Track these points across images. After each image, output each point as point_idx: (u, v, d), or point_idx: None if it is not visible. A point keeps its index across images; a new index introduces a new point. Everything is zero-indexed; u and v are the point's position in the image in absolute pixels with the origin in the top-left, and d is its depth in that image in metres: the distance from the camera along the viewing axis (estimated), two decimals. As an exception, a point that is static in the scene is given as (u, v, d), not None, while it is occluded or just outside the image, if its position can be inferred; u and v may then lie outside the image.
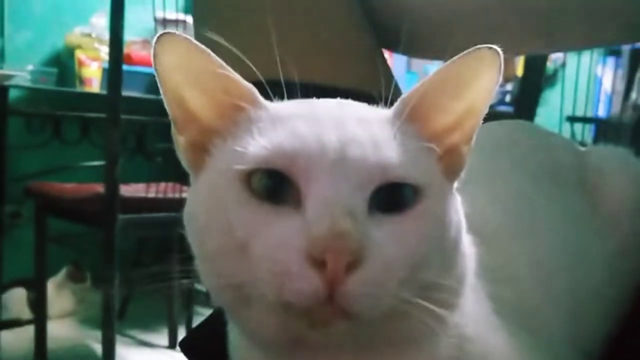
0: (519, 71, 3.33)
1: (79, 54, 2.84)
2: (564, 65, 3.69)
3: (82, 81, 2.84)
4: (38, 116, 2.79)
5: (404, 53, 1.19)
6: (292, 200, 0.44)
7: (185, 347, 0.76)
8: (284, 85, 0.50)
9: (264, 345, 0.50)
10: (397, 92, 0.51)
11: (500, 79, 0.47)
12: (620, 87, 3.31)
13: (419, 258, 0.45)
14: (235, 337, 0.55)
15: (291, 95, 0.51)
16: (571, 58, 3.60)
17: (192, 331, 0.83)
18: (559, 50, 1.72)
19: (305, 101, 0.51)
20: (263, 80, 0.50)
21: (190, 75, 0.48)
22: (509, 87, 3.70)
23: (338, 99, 0.52)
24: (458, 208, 0.50)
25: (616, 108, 3.23)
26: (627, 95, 2.89)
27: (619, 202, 0.76)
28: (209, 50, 0.47)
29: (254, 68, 0.49)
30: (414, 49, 1.03)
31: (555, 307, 0.65)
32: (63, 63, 2.90)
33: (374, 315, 0.43)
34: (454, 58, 0.47)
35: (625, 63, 3.50)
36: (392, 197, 0.45)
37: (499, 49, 0.46)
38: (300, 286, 0.41)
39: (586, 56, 3.37)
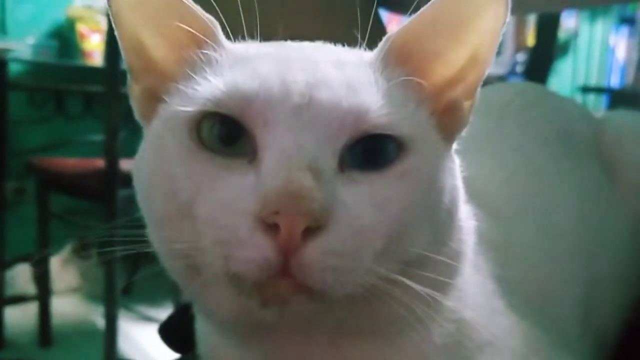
0: (530, 40, 3.26)
1: (81, 27, 2.79)
2: (576, 34, 3.62)
3: (83, 54, 2.79)
4: (40, 90, 2.75)
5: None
6: (248, 153, 0.38)
7: (163, 332, 0.73)
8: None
9: (222, 328, 0.44)
10: None
11: (508, 17, 0.40)
12: (634, 56, 3.23)
13: (401, 226, 0.38)
14: (200, 324, 0.50)
15: None
16: (584, 27, 3.53)
17: (171, 316, 0.79)
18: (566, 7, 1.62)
19: (275, 42, 0.45)
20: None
21: (149, 13, 0.42)
22: (520, 57, 3.64)
23: (316, 42, 0.46)
24: (455, 172, 0.43)
25: (630, 78, 3.16)
26: (641, 65, 2.84)
27: (639, 171, 0.70)
28: None
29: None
30: None
31: (568, 288, 0.60)
32: (64, 36, 2.85)
33: (342, 294, 0.37)
34: None
35: (639, 32, 3.43)
36: (372, 153, 0.38)
37: None
38: (247, 255, 0.35)
39: (599, 25, 3.30)
